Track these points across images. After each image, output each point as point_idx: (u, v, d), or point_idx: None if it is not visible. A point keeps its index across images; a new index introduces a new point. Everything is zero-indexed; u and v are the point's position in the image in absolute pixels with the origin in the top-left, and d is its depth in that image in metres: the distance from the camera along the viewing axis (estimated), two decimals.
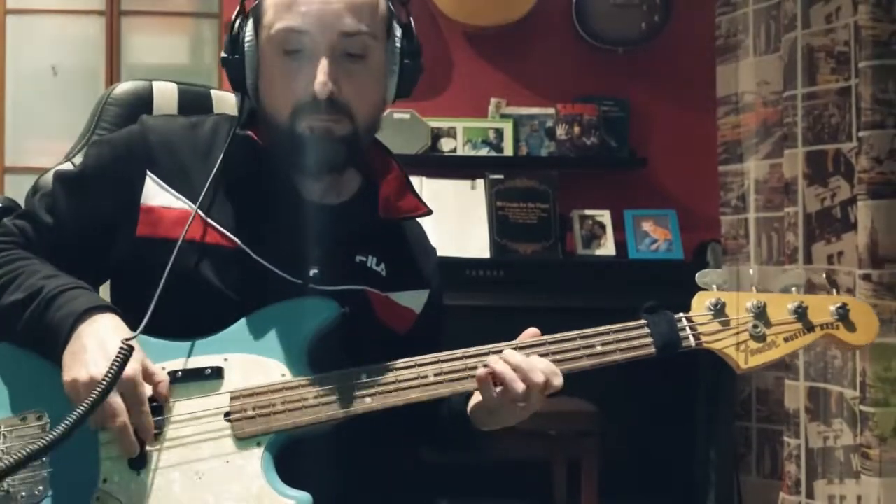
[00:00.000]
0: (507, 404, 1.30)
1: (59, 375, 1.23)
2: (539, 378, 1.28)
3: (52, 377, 1.24)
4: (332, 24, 1.32)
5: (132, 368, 1.21)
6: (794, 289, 1.40)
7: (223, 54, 1.39)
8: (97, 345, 1.22)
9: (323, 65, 1.31)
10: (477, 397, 1.37)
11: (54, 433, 1.10)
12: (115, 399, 1.20)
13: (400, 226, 1.49)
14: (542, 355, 1.32)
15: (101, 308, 1.27)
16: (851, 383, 2.69)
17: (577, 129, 3.59)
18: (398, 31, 1.39)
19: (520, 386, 1.27)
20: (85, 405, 1.13)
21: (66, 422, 1.11)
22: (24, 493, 1.23)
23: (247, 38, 1.36)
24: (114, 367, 1.17)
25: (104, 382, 1.16)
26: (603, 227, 3.54)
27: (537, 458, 3.09)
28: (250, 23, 1.37)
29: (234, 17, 1.39)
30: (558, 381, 1.30)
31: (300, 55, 1.33)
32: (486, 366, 1.30)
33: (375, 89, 1.39)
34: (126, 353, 1.18)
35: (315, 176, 1.40)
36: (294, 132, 1.34)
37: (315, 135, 1.33)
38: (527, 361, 1.29)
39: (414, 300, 1.48)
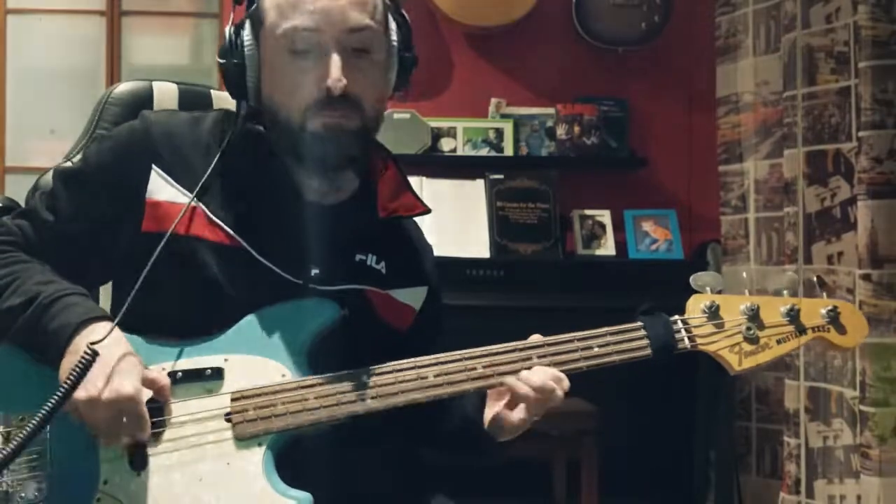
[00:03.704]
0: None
1: (57, 377, 1.22)
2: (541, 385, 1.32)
3: (51, 377, 1.24)
4: (339, 19, 1.32)
5: (132, 387, 1.20)
6: (786, 291, 1.42)
7: (220, 60, 1.37)
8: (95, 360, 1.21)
9: (335, 60, 1.31)
10: (492, 410, 1.39)
11: (21, 435, 1.12)
12: (112, 423, 1.20)
13: (398, 224, 1.49)
14: (540, 357, 1.35)
15: (98, 318, 1.26)
16: (851, 383, 2.69)
17: (577, 130, 3.59)
18: (394, 24, 1.40)
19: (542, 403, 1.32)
20: (48, 405, 1.14)
21: (30, 424, 1.13)
22: (23, 494, 1.23)
23: (246, 42, 1.35)
24: (75, 372, 1.17)
25: (64, 387, 1.16)
26: (603, 227, 3.54)
27: (537, 458, 3.09)
28: (248, 26, 1.36)
29: (229, 23, 1.38)
30: (565, 384, 1.34)
31: (308, 54, 1.32)
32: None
33: (381, 82, 1.39)
34: (90, 359, 1.17)
35: (325, 174, 1.38)
36: (305, 130, 1.33)
37: (327, 131, 1.33)
38: (540, 379, 1.32)
39: (413, 297, 1.48)
